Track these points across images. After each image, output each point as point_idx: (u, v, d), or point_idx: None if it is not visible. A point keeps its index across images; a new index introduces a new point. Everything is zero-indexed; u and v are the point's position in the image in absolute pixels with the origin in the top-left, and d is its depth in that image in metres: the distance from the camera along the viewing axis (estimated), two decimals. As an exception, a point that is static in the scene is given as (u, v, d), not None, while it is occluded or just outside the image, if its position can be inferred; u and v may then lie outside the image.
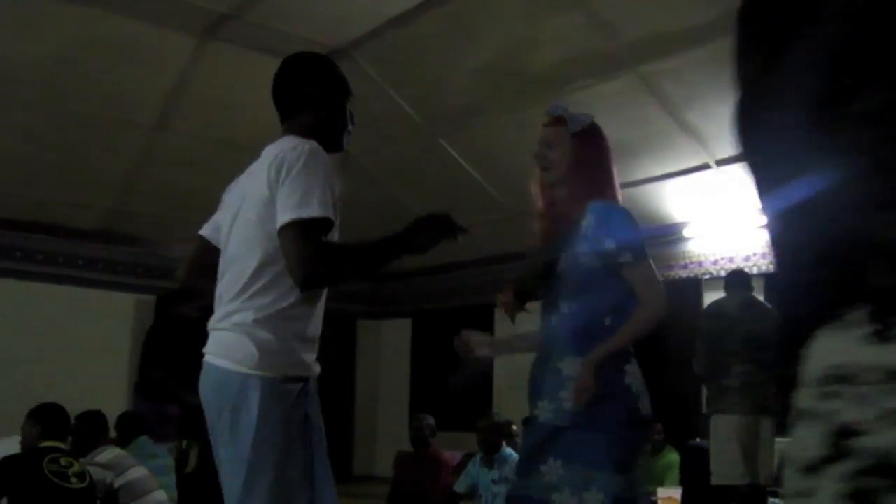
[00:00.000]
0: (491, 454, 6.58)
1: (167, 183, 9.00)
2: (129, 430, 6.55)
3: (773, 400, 5.74)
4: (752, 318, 5.88)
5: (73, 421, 5.26)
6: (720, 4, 5.93)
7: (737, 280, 6.32)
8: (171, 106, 8.11)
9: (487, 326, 9.67)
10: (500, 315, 10.46)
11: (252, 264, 2.54)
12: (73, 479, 4.60)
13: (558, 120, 2.98)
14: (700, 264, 8.09)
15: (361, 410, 11.28)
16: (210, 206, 10.03)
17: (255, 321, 2.48)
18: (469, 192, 9.02)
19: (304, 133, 2.67)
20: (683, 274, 8.21)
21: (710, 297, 7.96)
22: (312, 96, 2.75)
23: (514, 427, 6.87)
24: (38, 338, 8.90)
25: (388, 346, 11.62)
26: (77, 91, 7.66)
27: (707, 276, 8.02)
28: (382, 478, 10.08)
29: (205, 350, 2.58)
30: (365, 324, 11.58)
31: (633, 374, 2.84)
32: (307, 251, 2.43)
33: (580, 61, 6.89)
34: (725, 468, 5.74)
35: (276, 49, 7.81)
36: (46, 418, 4.91)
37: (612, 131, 7.50)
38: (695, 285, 8.08)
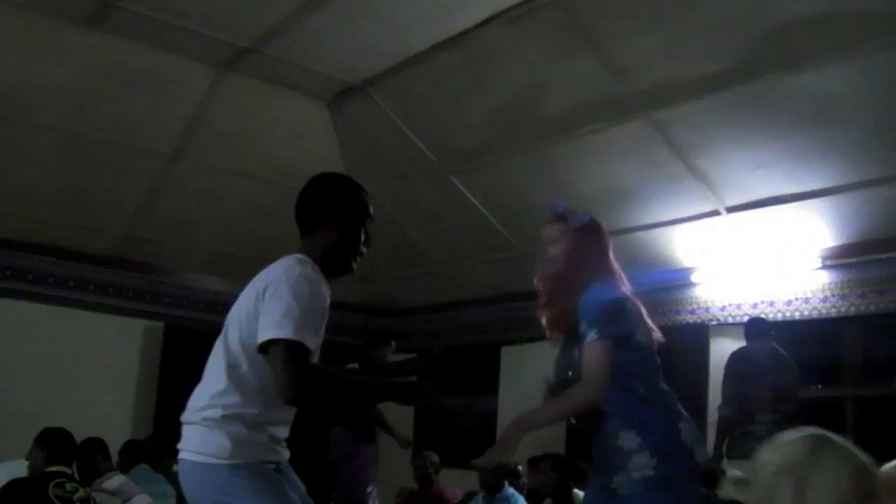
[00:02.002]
0: (493, 493, 6.58)
1: (180, 211, 9.07)
2: (132, 456, 6.58)
3: None
4: (779, 368, 5.94)
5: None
6: (732, 53, 6.01)
7: (759, 328, 6.36)
8: (187, 136, 8.20)
9: (493, 364, 9.70)
10: (506, 353, 10.53)
11: (222, 368, 2.65)
12: None
13: (559, 217, 3.09)
14: (707, 310, 8.08)
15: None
16: (220, 235, 10.16)
17: (223, 417, 2.56)
18: (479, 231, 9.06)
19: (317, 252, 2.75)
20: (690, 319, 8.20)
21: (717, 343, 7.96)
22: (331, 219, 2.82)
23: (520, 467, 6.86)
24: (45, 361, 8.92)
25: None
26: (94, 118, 7.75)
27: (714, 323, 8.01)
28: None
29: (179, 447, 2.68)
30: (371, 358, 11.58)
31: (687, 432, 3.01)
32: (294, 373, 2.51)
33: (592, 105, 6.95)
34: None
35: (293, 83, 7.94)
36: (52, 443, 4.93)
37: (623, 175, 7.64)
38: (702, 331, 8.06)
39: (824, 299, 7.26)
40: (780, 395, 5.83)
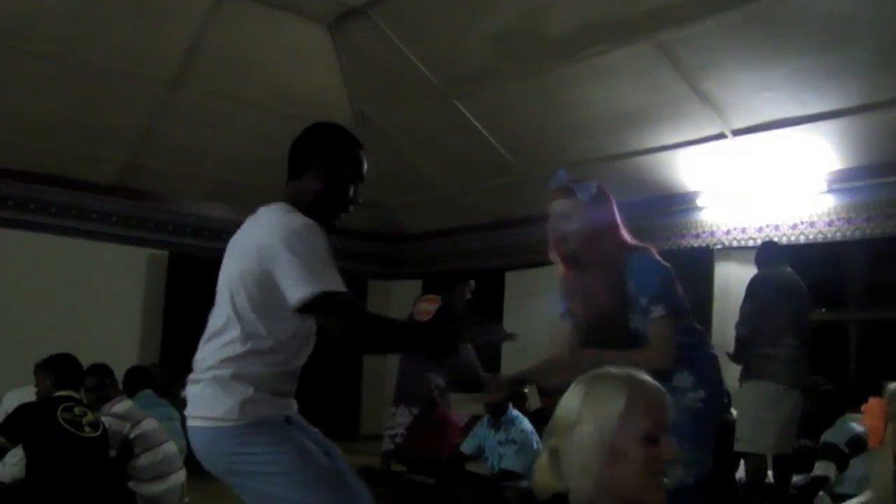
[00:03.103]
0: (498, 416, 6.63)
1: (181, 138, 9.01)
2: (135, 382, 6.63)
3: (806, 374, 5.84)
4: (799, 293, 5.99)
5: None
6: (741, -27, 5.90)
7: (775, 253, 6.38)
8: (187, 62, 8.10)
9: (498, 288, 9.74)
10: (510, 278, 10.53)
11: (228, 326, 2.64)
12: (87, 428, 4.66)
13: (566, 191, 3.00)
14: (712, 234, 8.06)
15: (369, 370, 11.33)
16: (223, 162, 10.12)
17: (233, 376, 2.57)
18: (482, 155, 9.01)
19: (300, 200, 2.70)
20: (695, 243, 8.19)
21: (722, 266, 7.97)
22: (319, 167, 2.75)
23: (526, 390, 6.90)
24: (50, 290, 8.96)
25: (399, 307, 11.64)
26: (94, 45, 7.66)
27: (719, 247, 8.00)
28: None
29: (187, 412, 2.68)
30: (376, 284, 11.60)
31: (719, 367, 3.27)
32: (347, 321, 2.55)
33: (597, 27, 6.85)
34: (759, 435, 5.74)
35: (293, 6, 7.82)
36: (59, 368, 4.96)
37: (628, 98, 7.56)
38: (707, 255, 8.06)
39: (830, 223, 7.24)
40: (799, 320, 5.90)
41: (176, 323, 9.58)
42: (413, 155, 9.71)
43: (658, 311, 2.93)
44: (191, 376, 2.70)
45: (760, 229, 7.66)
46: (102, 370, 5.65)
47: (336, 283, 2.52)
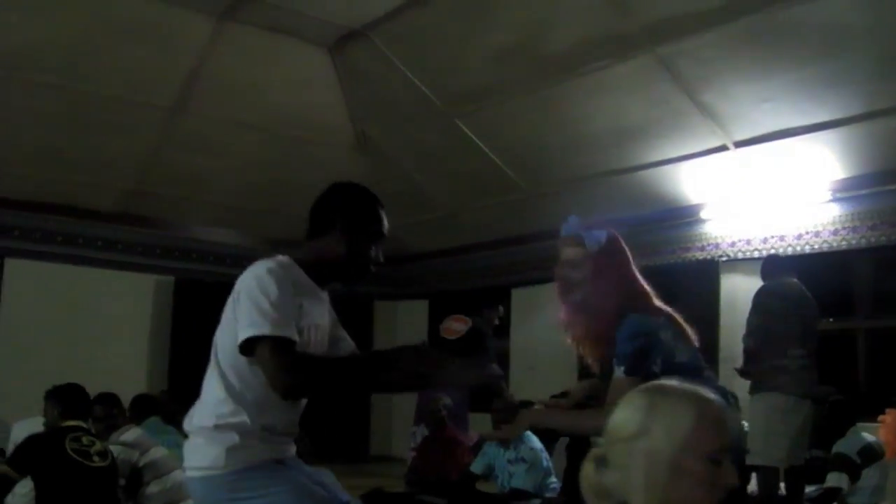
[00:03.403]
0: (507, 435, 6.61)
1: (185, 164, 9.04)
2: (143, 410, 6.63)
3: (816, 385, 5.81)
4: (805, 303, 5.98)
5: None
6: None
7: (778, 265, 6.39)
8: (188, 88, 8.14)
9: (504, 306, 9.72)
10: (516, 295, 10.55)
11: (214, 379, 2.63)
12: (96, 458, 4.65)
13: (576, 239, 2.99)
14: (717, 246, 8.06)
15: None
16: (227, 187, 10.14)
17: (216, 427, 2.57)
18: (486, 174, 9.02)
19: (321, 259, 2.70)
20: (700, 256, 8.19)
21: (728, 278, 7.96)
22: (343, 229, 2.74)
23: (536, 407, 6.87)
24: (57, 319, 8.98)
25: (405, 327, 11.65)
26: (96, 73, 7.69)
27: (724, 259, 7.99)
28: (398, 458, 10.13)
29: (184, 465, 2.68)
30: (382, 304, 11.61)
31: (734, 420, 3.06)
32: (281, 364, 2.46)
33: (596, 42, 6.87)
34: (770, 447, 5.70)
35: (293, 30, 7.86)
36: (66, 398, 4.95)
37: (629, 112, 7.58)
38: (712, 267, 8.06)
39: (835, 232, 7.24)
40: (807, 330, 5.89)
41: (183, 348, 9.58)
42: (416, 175, 9.72)
43: (618, 371, 2.88)
44: (185, 426, 2.71)
45: (765, 240, 7.66)
46: (110, 399, 5.64)
47: (285, 332, 2.47)
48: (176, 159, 8.96)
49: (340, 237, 2.72)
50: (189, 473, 2.64)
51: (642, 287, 3.01)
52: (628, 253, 3.03)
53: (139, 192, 9.38)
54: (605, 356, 2.98)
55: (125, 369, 9.08)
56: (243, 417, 2.57)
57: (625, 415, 1.62)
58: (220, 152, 8.99)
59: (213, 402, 2.60)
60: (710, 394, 1.61)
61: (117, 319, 9.50)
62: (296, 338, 2.50)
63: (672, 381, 1.64)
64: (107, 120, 8.22)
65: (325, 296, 2.83)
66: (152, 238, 9.95)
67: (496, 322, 8.44)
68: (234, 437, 2.55)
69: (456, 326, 8.17)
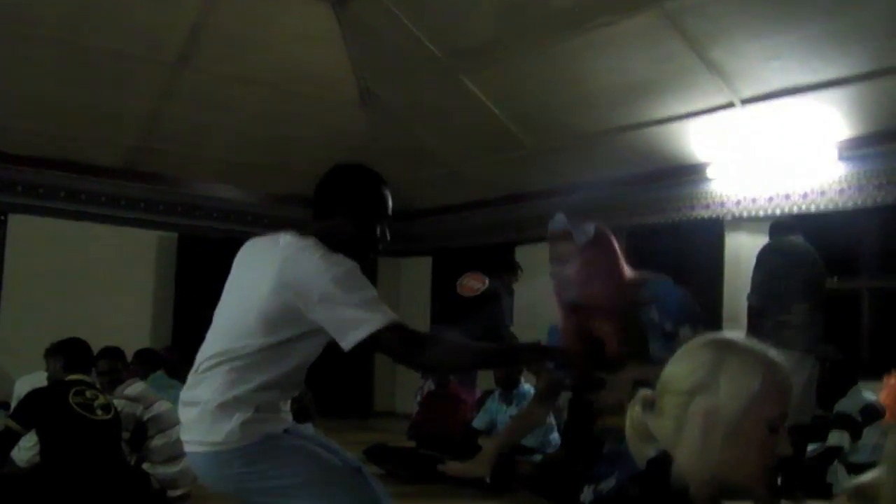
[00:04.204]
0: (509, 390, 6.64)
1: (188, 120, 9.00)
2: (147, 364, 6.66)
3: (820, 341, 5.82)
4: (809, 260, 5.98)
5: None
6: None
7: (784, 226, 6.40)
8: (191, 43, 8.08)
9: (507, 264, 9.71)
10: (521, 252, 10.53)
11: (229, 359, 2.59)
12: (99, 411, 4.67)
13: (564, 235, 2.96)
14: (722, 205, 8.02)
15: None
16: (231, 143, 10.09)
17: (234, 399, 2.55)
18: (490, 130, 8.97)
19: (330, 240, 2.67)
20: (705, 214, 8.15)
21: (732, 237, 7.93)
22: (348, 212, 2.74)
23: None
24: (60, 274, 8.98)
25: (409, 284, 11.67)
26: (98, 27, 7.64)
27: (729, 217, 7.95)
28: (402, 414, 10.18)
29: (183, 437, 2.65)
30: (386, 261, 11.60)
31: None
32: (415, 351, 2.54)
33: (603, -2, 6.80)
34: None
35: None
36: (69, 352, 4.96)
37: (635, 69, 7.51)
38: (717, 226, 8.03)
39: (841, 191, 7.19)
40: (811, 287, 5.89)
41: (187, 305, 9.61)
42: (420, 131, 9.67)
43: (686, 332, 2.88)
44: (185, 397, 2.67)
45: (771, 199, 7.62)
46: (114, 353, 5.66)
47: (393, 316, 2.51)
48: (179, 115, 8.92)
49: (347, 219, 2.74)
50: (193, 448, 2.60)
51: (633, 275, 3.00)
52: (616, 248, 3.01)
53: (142, 148, 9.35)
54: (618, 344, 2.96)
55: (129, 325, 9.11)
56: (260, 395, 2.56)
57: (688, 367, 1.57)
58: (223, 108, 8.95)
59: (226, 381, 2.58)
60: (777, 357, 1.57)
61: (121, 275, 9.52)
62: (398, 318, 2.53)
63: (740, 338, 1.59)
64: (110, 75, 8.18)
65: None
66: (155, 194, 9.93)
67: (514, 283, 8.44)
68: (249, 412, 2.54)
69: (473, 284, 8.18)
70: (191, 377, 2.68)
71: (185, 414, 2.64)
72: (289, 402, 2.76)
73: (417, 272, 11.57)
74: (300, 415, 3.05)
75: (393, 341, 2.49)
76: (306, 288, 2.50)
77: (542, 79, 7.99)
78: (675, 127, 7.80)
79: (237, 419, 2.51)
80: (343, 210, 2.75)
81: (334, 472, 2.63)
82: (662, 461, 1.54)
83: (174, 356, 7.47)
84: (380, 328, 2.45)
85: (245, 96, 8.88)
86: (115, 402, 4.99)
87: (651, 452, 1.58)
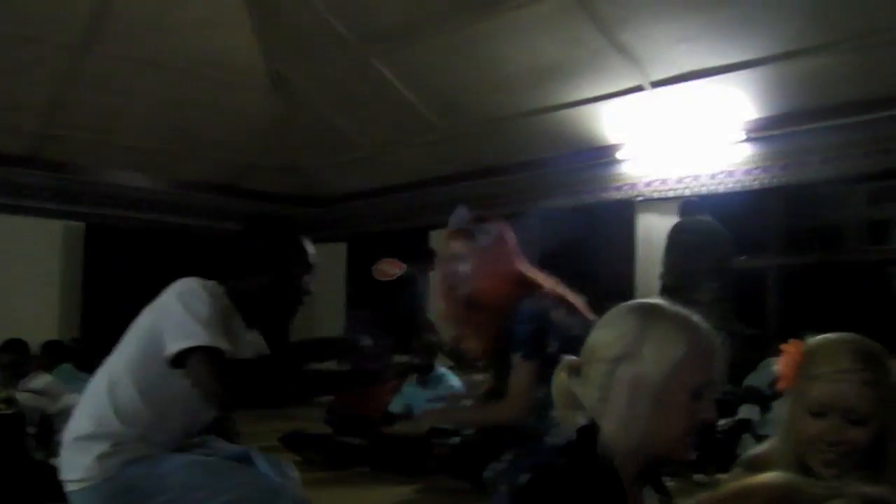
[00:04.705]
0: (425, 375, 6.63)
1: (94, 106, 8.76)
2: (54, 356, 6.49)
3: (731, 319, 5.92)
4: (718, 239, 6.07)
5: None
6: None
7: (693, 206, 6.50)
8: (94, 26, 7.86)
9: (422, 248, 9.70)
10: (435, 237, 10.50)
11: (101, 388, 2.55)
12: (1, 405, 4.54)
13: (465, 233, 2.92)
14: (633, 186, 8.12)
15: (297, 333, 11.26)
16: (138, 129, 9.84)
17: (91, 435, 2.49)
18: (404, 114, 8.93)
19: (249, 296, 2.66)
20: (616, 196, 8.25)
21: (643, 218, 8.04)
22: (272, 266, 2.71)
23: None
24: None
25: (325, 271, 11.56)
26: (-4, 10, 7.40)
27: (640, 199, 8.06)
28: (318, 401, 10.09)
29: (67, 485, 2.56)
30: (300, 248, 11.53)
31: None
32: (214, 373, 2.41)
33: (514, -20, 6.81)
34: None
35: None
36: (-29, 346, 4.82)
37: (546, 52, 7.54)
38: (628, 207, 8.13)
39: (748, 172, 7.34)
40: (719, 264, 6.00)
41: (96, 296, 9.41)
42: (332, 115, 9.58)
43: (516, 358, 2.85)
44: (65, 449, 2.60)
45: (680, 180, 7.74)
46: (17, 346, 5.51)
47: (220, 343, 2.44)
48: (84, 101, 8.67)
49: (271, 278, 2.70)
50: (69, 487, 2.54)
51: (531, 276, 2.98)
52: (515, 245, 2.99)
53: (46, 135, 9.09)
54: (492, 349, 2.96)
55: (35, 317, 8.88)
56: (123, 428, 2.50)
57: (612, 334, 1.55)
58: (129, 93, 8.74)
59: (92, 413, 2.52)
60: (702, 323, 1.56)
61: (26, 266, 9.25)
62: (228, 348, 2.45)
63: (666, 304, 1.57)
64: (9, 60, 7.91)
65: (252, 336, 2.79)
66: (61, 182, 9.67)
67: (431, 270, 8.43)
68: (105, 446, 2.47)
69: (390, 270, 8.16)
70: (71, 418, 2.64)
71: (62, 454, 2.58)
72: (190, 433, 2.70)
73: (333, 258, 11.49)
74: (219, 435, 2.99)
75: (199, 362, 2.41)
76: (164, 302, 2.51)
77: (454, 62, 7.98)
78: (587, 110, 7.87)
79: (93, 453, 2.46)
80: (265, 269, 2.71)
81: (212, 471, 2.57)
82: (590, 430, 1.52)
83: (82, 347, 7.30)
84: (196, 346, 2.40)
85: (152, 81, 8.68)
86: (19, 395, 4.86)
87: (580, 420, 1.56)
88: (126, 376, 2.53)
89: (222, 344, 2.43)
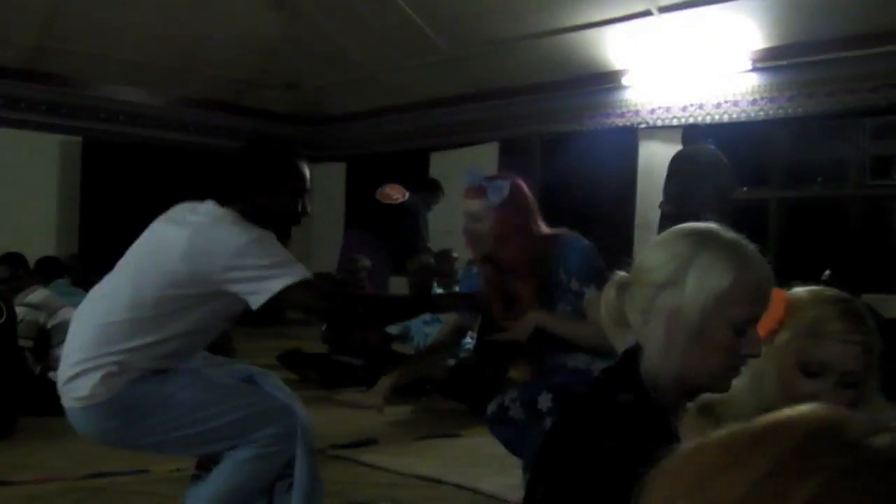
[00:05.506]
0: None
1: (91, 18, 8.62)
2: (49, 272, 6.47)
3: None
4: (720, 168, 6.04)
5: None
6: None
7: (697, 134, 6.45)
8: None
9: (422, 170, 9.66)
10: (435, 158, 10.44)
11: (114, 307, 2.53)
12: None
13: (478, 191, 2.89)
14: (637, 113, 8.05)
15: (295, 252, 11.26)
16: (136, 43, 9.73)
17: (96, 356, 2.47)
18: (406, 35, 8.81)
19: (250, 216, 2.63)
20: (620, 122, 8.18)
21: (646, 146, 7.98)
22: (268, 186, 2.70)
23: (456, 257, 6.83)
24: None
25: (323, 191, 11.53)
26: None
27: (643, 126, 8.00)
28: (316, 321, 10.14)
29: (69, 401, 2.54)
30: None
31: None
32: (329, 304, 2.66)
33: None
34: None
35: None
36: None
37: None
38: (631, 134, 8.07)
39: (753, 102, 7.27)
40: (721, 194, 5.98)
41: (94, 210, 9.38)
42: (334, 34, 9.45)
43: (591, 292, 2.86)
44: (66, 373, 2.57)
45: (685, 108, 7.67)
46: (15, 259, 5.50)
47: (307, 273, 2.56)
48: (82, 13, 8.53)
49: (267, 197, 2.70)
50: (75, 405, 2.52)
51: (547, 232, 2.98)
52: (532, 204, 2.99)
53: (43, 48, 8.96)
54: (529, 301, 2.95)
55: (33, 232, 8.85)
56: (130, 348, 2.49)
57: (661, 257, 1.49)
58: (128, 7, 8.60)
59: (97, 333, 2.51)
60: (756, 254, 1.49)
61: (22, 181, 9.18)
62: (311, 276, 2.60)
63: (723, 231, 1.52)
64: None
65: None
66: (58, 96, 9.57)
67: (435, 203, 8.37)
68: (113, 367, 2.46)
69: (392, 194, 8.11)
70: (69, 343, 2.61)
71: (69, 385, 2.56)
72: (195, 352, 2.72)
73: (331, 178, 11.44)
74: (215, 352, 3.00)
75: (309, 296, 2.56)
76: (217, 251, 2.49)
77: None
78: (592, 34, 7.76)
79: (99, 374, 2.45)
80: (262, 188, 2.71)
81: (221, 389, 2.60)
82: (633, 354, 1.50)
83: (79, 264, 7.29)
84: (293, 283, 2.47)
85: (150, -7, 8.55)
86: (17, 309, 4.84)
87: (629, 340, 1.53)
88: (151, 310, 2.51)
89: (307, 273, 2.56)
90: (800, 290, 1.78)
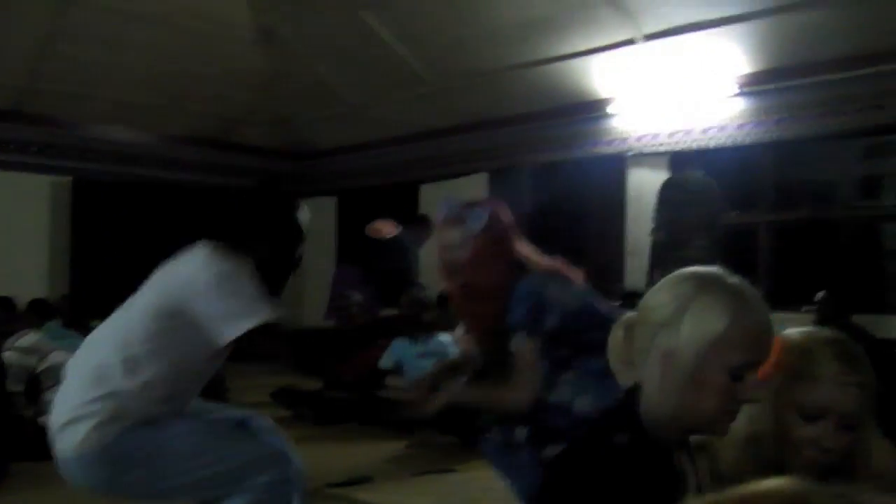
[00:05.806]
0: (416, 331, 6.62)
1: (79, 59, 8.63)
2: (40, 314, 6.44)
3: None
4: (709, 195, 6.04)
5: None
6: None
7: (685, 160, 6.46)
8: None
9: (412, 203, 9.67)
10: (425, 191, 10.46)
11: (105, 353, 2.56)
12: None
13: (457, 220, 2.87)
14: (624, 141, 8.07)
15: (287, 289, 11.23)
16: (124, 82, 9.73)
17: (90, 402, 2.48)
18: (392, 67, 8.83)
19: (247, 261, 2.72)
20: (607, 150, 8.19)
21: (635, 173, 8.00)
22: (268, 237, 2.78)
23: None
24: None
25: (314, 224, 11.52)
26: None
27: (631, 154, 8.01)
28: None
29: (61, 449, 2.54)
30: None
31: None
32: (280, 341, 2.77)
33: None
34: None
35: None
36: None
37: (537, 4, 7.43)
38: (619, 162, 8.08)
39: (740, 126, 7.29)
40: (711, 220, 5.97)
41: (84, 251, 9.35)
42: (320, 68, 9.47)
43: (518, 339, 2.83)
44: (58, 421, 2.55)
45: (672, 134, 7.69)
46: (3, 303, 5.47)
47: (269, 314, 2.61)
48: (69, 53, 8.54)
49: (267, 248, 2.77)
50: (59, 454, 2.51)
51: (526, 256, 2.95)
52: (511, 231, 2.96)
53: (32, 90, 8.96)
54: (492, 331, 2.93)
55: (24, 275, 8.81)
56: (126, 394, 2.48)
57: (662, 298, 1.50)
58: (115, 45, 8.61)
59: (91, 378, 2.50)
60: (756, 299, 1.47)
61: (13, 222, 9.17)
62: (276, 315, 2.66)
63: (727, 275, 1.51)
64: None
65: None
66: (47, 137, 9.56)
67: (426, 238, 8.37)
68: (103, 415, 2.45)
69: (382, 229, 8.10)
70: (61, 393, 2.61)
71: (52, 415, 2.55)
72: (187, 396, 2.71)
73: (322, 213, 11.43)
74: (208, 394, 2.99)
75: (265, 335, 2.60)
76: (192, 280, 2.53)
77: (444, 14, 7.87)
78: (578, 63, 7.79)
79: (92, 422, 2.43)
80: (262, 239, 2.76)
81: (214, 438, 2.58)
82: (634, 393, 1.50)
83: (70, 306, 7.25)
84: (260, 323, 2.53)
85: (137, 33, 8.54)
86: (7, 354, 4.81)
87: (632, 379, 1.52)
88: (139, 347, 2.51)
89: (271, 314, 2.61)
90: (793, 332, 1.76)
